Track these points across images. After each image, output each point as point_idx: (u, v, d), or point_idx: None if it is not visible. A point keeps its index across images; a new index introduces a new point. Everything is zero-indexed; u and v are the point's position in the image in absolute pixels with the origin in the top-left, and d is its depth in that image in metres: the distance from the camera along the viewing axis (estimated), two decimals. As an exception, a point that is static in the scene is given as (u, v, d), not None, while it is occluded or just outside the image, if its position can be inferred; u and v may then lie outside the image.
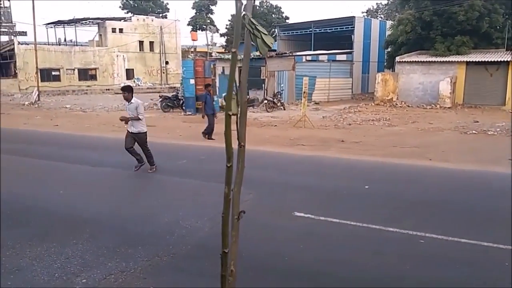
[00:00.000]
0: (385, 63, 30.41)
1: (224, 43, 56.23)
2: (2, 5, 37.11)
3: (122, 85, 39.79)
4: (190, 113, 19.37)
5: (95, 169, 8.79)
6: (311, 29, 33.05)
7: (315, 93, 25.17)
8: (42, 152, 10.65)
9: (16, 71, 35.91)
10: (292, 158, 10.11)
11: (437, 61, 23.21)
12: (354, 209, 6.13)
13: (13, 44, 35.99)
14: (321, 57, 30.36)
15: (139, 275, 4.12)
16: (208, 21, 57.97)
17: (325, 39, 33.08)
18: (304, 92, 15.51)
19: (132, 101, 8.17)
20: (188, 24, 59.83)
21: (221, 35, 59.16)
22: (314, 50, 30.93)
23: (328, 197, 6.87)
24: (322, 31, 32.68)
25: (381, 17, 53.12)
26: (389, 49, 28.28)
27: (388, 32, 29.66)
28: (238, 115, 1.67)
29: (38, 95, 26.53)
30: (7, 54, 36.69)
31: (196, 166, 9.17)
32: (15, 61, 35.76)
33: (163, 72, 44.29)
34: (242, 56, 1.72)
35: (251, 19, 1.54)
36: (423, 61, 23.61)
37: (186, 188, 7.39)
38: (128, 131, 8.29)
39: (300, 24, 35.01)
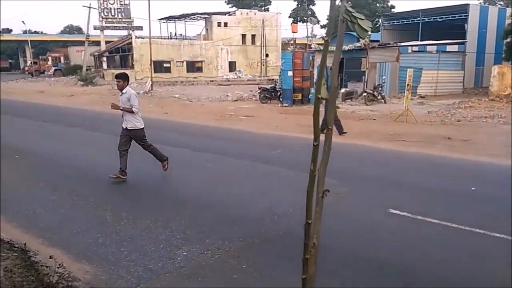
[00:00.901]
0: (504, 55, 27.28)
1: (324, 35, 55.45)
2: (122, 2, 41.27)
3: (225, 77, 41.59)
4: (287, 104, 19.59)
5: (197, 153, 9.44)
6: (418, 18, 30.94)
7: (421, 86, 23.61)
8: (151, 136, 11.70)
9: (133, 63, 39.72)
10: (390, 153, 9.72)
11: None
12: (456, 211, 5.73)
13: (131, 38, 39.84)
14: (429, 48, 28.28)
15: (233, 254, 4.39)
16: (309, 12, 57.70)
17: (434, 29, 30.74)
18: (408, 85, 14.68)
19: (124, 91, 7.11)
20: (289, 16, 60.28)
21: (322, 26, 58.56)
22: (421, 40, 28.95)
23: (428, 196, 6.50)
24: (431, 19, 30.38)
25: (500, 4, 47.69)
26: (508, 39, 25.32)
27: (508, 21, 26.51)
28: (326, 101, 1.76)
29: (151, 85, 29.00)
30: (126, 47, 40.77)
31: (290, 156, 9.31)
32: (132, 54, 39.58)
33: (263, 65, 45.31)
34: (344, 47, 1.77)
35: (348, 8, 1.59)
36: (552, 52, 20.72)
37: (280, 176, 7.58)
38: (122, 127, 7.28)
39: (406, 13, 33.00)
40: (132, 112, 7.03)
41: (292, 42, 39.66)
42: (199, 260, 4.26)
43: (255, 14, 45.18)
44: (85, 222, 5.28)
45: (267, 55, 45.25)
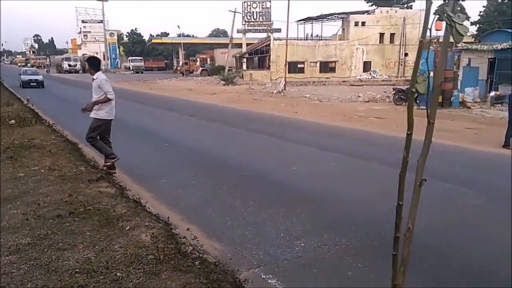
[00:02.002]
0: None
1: (475, 32, 50.00)
2: (264, 6, 43.48)
3: (358, 77, 40.64)
4: (424, 107, 18.19)
5: (322, 152, 9.58)
6: None
7: None
8: (281, 133, 12.24)
9: (270, 64, 41.59)
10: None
11: None
12: None
13: (270, 40, 41.72)
14: None
15: (350, 252, 4.45)
16: (458, 8, 52.53)
17: None
18: None
19: (95, 76, 6.49)
20: (435, 13, 55.67)
21: (472, 23, 52.79)
22: None
23: None
24: None
25: None
26: None
27: None
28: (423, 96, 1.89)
29: (285, 85, 30.02)
30: (264, 49, 42.89)
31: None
32: (270, 55, 41.44)
33: (401, 64, 43.00)
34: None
35: (449, 13, 1.66)
36: None
37: (407, 181, 7.25)
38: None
39: None
40: (108, 100, 6.46)
41: (435, 40, 36.71)
42: (315, 253, 4.43)
43: (395, 12, 43.09)
44: (218, 205, 5.89)
45: (406, 54, 42.78)
